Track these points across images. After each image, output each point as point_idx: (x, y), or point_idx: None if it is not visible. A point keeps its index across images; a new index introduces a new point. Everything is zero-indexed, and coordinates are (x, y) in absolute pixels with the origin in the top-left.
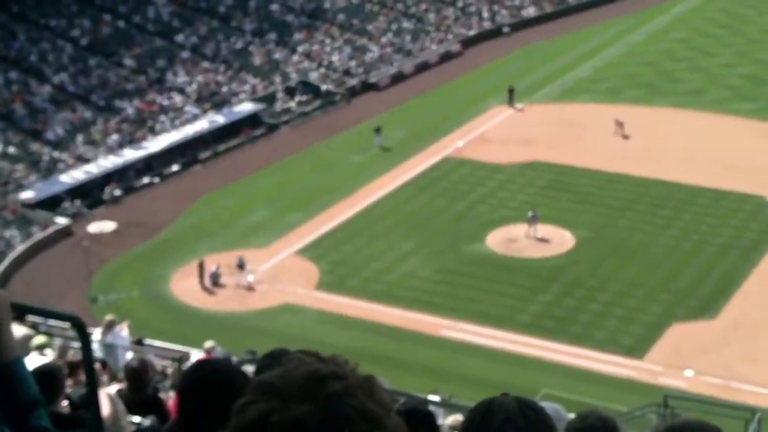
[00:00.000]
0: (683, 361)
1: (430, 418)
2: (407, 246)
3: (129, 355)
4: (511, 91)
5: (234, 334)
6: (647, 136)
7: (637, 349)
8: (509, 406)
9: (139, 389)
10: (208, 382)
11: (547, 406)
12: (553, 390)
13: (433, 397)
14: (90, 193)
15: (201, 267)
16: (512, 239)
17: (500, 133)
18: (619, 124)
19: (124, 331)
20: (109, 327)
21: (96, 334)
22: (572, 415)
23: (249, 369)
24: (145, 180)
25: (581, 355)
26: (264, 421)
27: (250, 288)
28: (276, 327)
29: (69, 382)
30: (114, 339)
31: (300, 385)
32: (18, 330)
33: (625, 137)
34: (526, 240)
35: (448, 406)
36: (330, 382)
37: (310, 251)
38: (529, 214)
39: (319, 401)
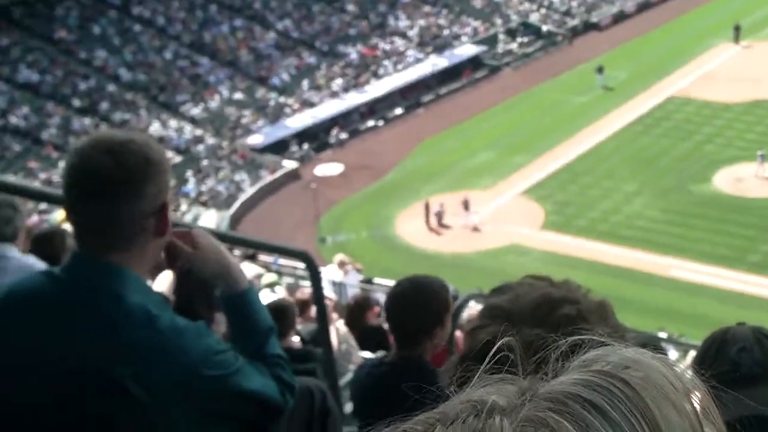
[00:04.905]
0: None
1: (662, 352)
2: (632, 186)
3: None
4: (737, 28)
5: (460, 273)
6: None
7: None
8: (745, 335)
9: (359, 324)
10: (408, 297)
11: None
12: None
13: (661, 334)
14: (316, 137)
15: (427, 207)
16: (740, 179)
17: (726, 72)
18: None
19: (354, 270)
20: (341, 266)
21: (326, 272)
22: None
23: (475, 305)
24: (370, 123)
25: None
26: (494, 345)
27: (475, 229)
28: (501, 267)
29: (298, 319)
30: (344, 277)
31: (531, 309)
32: (249, 269)
33: None
34: (755, 179)
35: (677, 344)
36: (562, 306)
37: (535, 192)
38: (759, 153)
39: (550, 325)
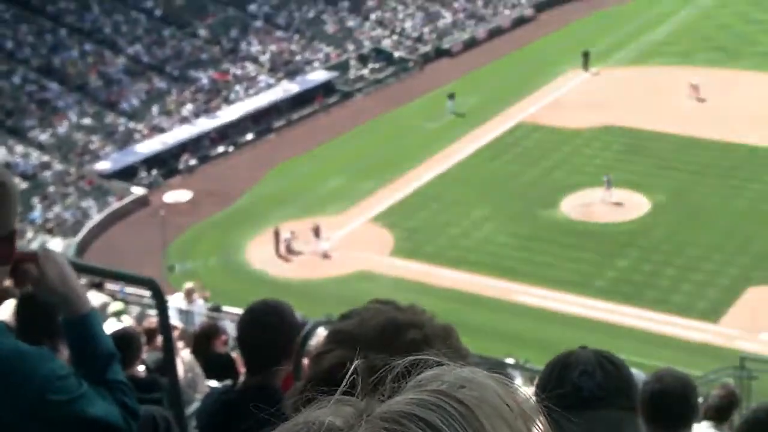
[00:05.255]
0: (760, 324)
1: (507, 377)
2: (482, 212)
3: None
4: (585, 55)
5: (309, 300)
6: (722, 99)
7: (713, 313)
8: (587, 358)
9: (206, 352)
10: (261, 321)
11: None
12: (629, 355)
13: (508, 360)
14: (165, 163)
15: (276, 235)
16: (587, 204)
17: (575, 98)
18: (694, 88)
19: (201, 299)
20: (189, 294)
21: (173, 300)
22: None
23: (323, 332)
24: (220, 149)
25: (657, 320)
26: (340, 370)
27: (325, 255)
28: (351, 294)
29: (145, 348)
30: (191, 306)
31: (377, 333)
32: (96, 297)
33: (701, 100)
34: (601, 205)
35: (523, 369)
36: (407, 330)
37: (385, 218)
38: (604, 178)
39: (396, 350)
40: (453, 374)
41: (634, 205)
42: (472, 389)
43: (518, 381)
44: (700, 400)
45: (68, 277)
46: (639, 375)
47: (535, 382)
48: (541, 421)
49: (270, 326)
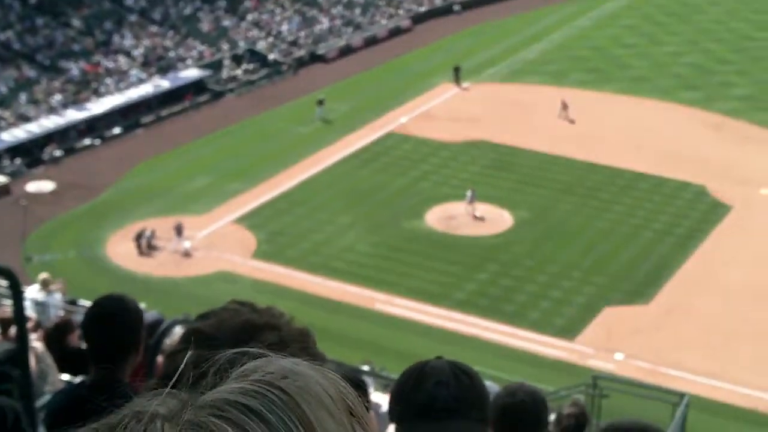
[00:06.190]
0: (614, 344)
1: (362, 386)
2: (346, 219)
3: (61, 315)
4: (456, 70)
5: (168, 298)
6: (591, 120)
7: (569, 330)
8: (442, 369)
9: (59, 347)
10: (108, 316)
11: None
12: (485, 368)
13: (364, 367)
14: (30, 152)
15: (140, 231)
16: (451, 217)
17: (445, 111)
18: (564, 107)
19: (58, 290)
20: (45, 285)
21: (29, 291)
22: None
23: (180, 331)
24: (87, 141)
25: (514, 334)
26: (194, 369)
27: (186, 254)
28: (210, 294)
29: None
30: (47, 298)
31: (233, 334)
32: None
33: (570, 121)
34: (465, 218)
35: (379, 377)
36: (264, 332)
37: (249, 220)
38: (468, 192)
39: None
40: (276, 365)
41: (498, 220)
42: (295, 379)
43: (372, 388)
44: (552, 416)
45: None
46: (493, 388)
47: (390, 390)
48: (361, 409)
49: (115, 319)
